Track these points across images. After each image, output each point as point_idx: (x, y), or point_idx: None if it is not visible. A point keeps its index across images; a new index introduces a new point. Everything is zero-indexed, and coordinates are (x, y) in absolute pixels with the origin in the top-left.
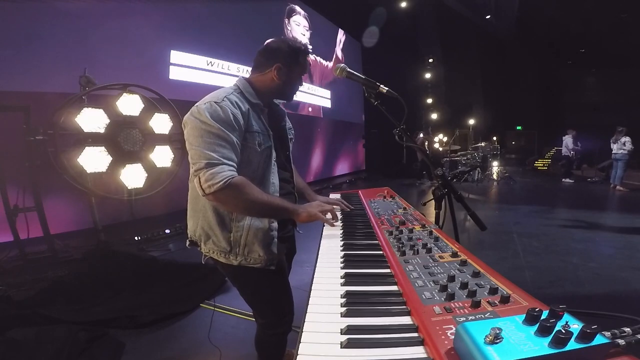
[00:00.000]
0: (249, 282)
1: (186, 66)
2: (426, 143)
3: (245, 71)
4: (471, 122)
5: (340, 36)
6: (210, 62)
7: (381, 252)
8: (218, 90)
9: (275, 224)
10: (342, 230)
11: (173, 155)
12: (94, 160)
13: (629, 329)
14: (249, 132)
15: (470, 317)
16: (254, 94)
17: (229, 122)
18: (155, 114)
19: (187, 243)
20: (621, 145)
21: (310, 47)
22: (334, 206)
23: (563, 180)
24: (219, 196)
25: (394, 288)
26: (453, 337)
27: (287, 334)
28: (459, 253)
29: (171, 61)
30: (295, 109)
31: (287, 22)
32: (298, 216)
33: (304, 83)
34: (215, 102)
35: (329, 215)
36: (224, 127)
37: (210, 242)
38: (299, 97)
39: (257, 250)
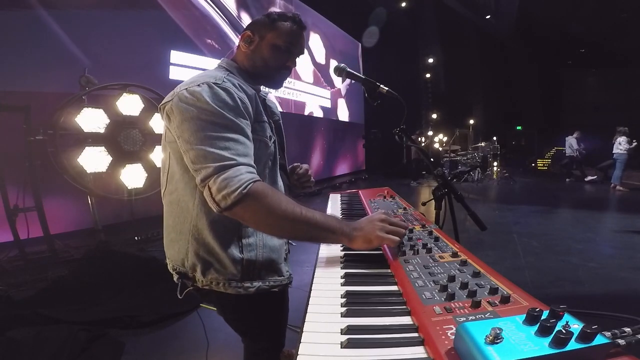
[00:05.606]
0: (260, 311)
1: (186, 66)
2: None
3: None
4: (471, 122)
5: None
6: (211, 62)
7: (381, 252)
8: (205, 72)
9: None
10: None
11: None
12: (94, 160)
13: (629, 329)
14: (258, 121)
15: (470, 317)
16: (243, 75)
17: (237, 109)
18: (155, 114)
19: (175, 278)
20: (618, 145)
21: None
22: (399, 228)
23: (567, 180)
24: (237, 211)
25: (394, 288)
26: (453, 337)
27: (280, 353)
28: (459, 253)
29: (171, 61)
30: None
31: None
32: (351, 241)
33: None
34: (214, 84)
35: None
36: (232, 114)
37: (212, 272)
38: (299, 97)
39: (275, 270)
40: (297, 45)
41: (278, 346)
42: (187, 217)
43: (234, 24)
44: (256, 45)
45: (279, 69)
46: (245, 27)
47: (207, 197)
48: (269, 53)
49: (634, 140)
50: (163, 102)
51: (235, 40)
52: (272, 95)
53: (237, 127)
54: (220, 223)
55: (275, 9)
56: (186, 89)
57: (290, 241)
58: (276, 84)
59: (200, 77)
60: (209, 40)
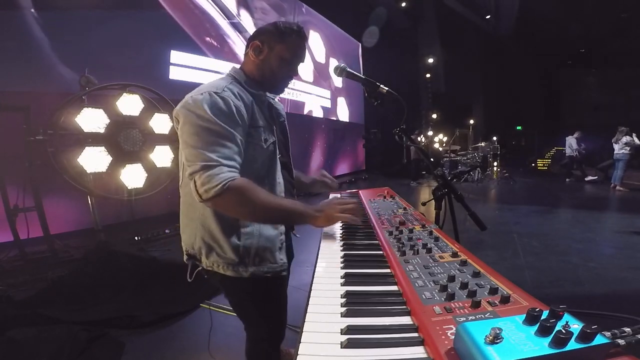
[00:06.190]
0: (256, 295)
1: (186, 66)
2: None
3: None
4: (471, 122)
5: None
6: (212, 62)
7: (381, 252)
8: (213, 80)
9: (282, 227)
10: (342, 230)
11: (173, 155)
12: (94, 160)
13: (629, 329)
14: (254, 127)
15: (470, 317)
16: (250, 82)
17: (232, 116)
18: (155, 114)
19: (185, 258)
20: (622, 146)
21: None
22: (352, 205)
23: (567, 180)
24: (217, 202)
25: (394, 288)
26: (453, 337)
27: (280, 344)
28: (459, 253)
29: (171, 61)
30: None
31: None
32: (315, 220)
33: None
34: (215, 93)
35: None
36: (226, 122)
37: (214, 255)
38: (299, 96)
39: (269, 258)
40: (302, 56)
41: (277, 336)
42: (197, 207)
43: (233, 22)
44: (265, 56)
45: (284, 78)
46: (253, 34)
47: (192, 189)
48: (277, 64)
49: (634, 134)
50: (176, 107)
51: (235, 38)
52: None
53: (228, 133)
54: (223, 214)
55: (275, 10)
56: (192, 96)
57: (294, 233)
58: (279, 91)
59: (206, 86)
60: (208, 39)
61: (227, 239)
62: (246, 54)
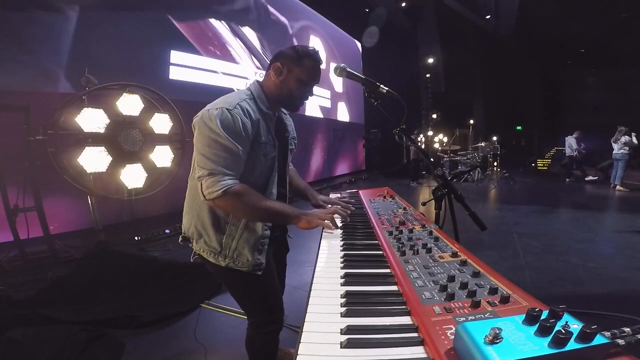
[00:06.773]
0: (237, 283)
1: (186, 66)
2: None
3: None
4: (471, 122)
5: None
6: (211, 62)
7: (381, 252)
8: (232, 94)
9: (267, 232)
10: (342, 230)
11: (173, 155)
12: (94, 160)
13: (629, 329)
14: (256, 142)
15: (470, 317)
16: (265, 100)
17: (238, 132)
18: (155, 114)
19: (180, 239)
20: (622, 146)
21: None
22: (334, 215)
23: (567, 180)
24: (217, 202)
25: (394, 288)
26: (453, 337)
27: (278, 333)
28: (459, 253)
29: (171, 61)
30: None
31: None
32: (298, 222)
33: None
34: (227, 109)
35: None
36: (232, 136)
37: (202, 241)
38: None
39: (246, 255)
40: (317, 78)
41: (268, 323)
42: (197, 199)
43: (235, 30)
44: (285, 77)
45: (300, 98)
46: (274, 56)
47: (198, 189)
48: (295, 85)
49: (634, 133)
50: (195, 116)
51: (235, 44)
52: None
53: (233, 147)
54: (216, 210)
55: (277, 14)
56: (208, 110)
57: (289, 235)
58: (295, 109)
59: (222, 100)
60: (210, 47)
61: (214, 231)
62: (267, 74)
